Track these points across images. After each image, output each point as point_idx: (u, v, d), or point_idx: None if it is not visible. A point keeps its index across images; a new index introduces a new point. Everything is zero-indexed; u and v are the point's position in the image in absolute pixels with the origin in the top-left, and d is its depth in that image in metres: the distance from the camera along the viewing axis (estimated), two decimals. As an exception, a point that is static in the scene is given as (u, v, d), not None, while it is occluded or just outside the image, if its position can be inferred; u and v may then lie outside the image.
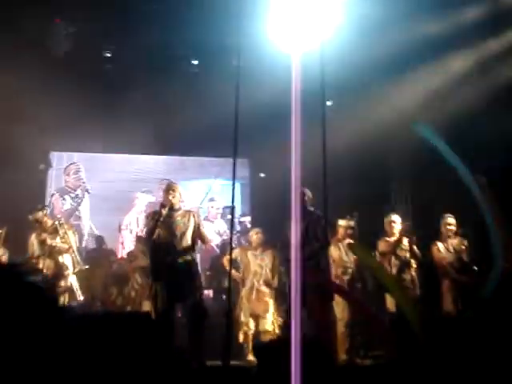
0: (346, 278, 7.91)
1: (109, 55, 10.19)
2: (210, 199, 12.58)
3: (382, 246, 7.93)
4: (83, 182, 12.30)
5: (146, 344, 4.38)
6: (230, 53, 9.69)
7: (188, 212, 6.55)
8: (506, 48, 9.29)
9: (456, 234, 7.99)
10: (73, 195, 12.26)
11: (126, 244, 11.58)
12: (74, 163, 12.33)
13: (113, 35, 9.96)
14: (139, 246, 9.66)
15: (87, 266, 8.39)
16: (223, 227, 12.72)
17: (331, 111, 11.07)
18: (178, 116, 10.62)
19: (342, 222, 7.96)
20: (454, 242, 7.93)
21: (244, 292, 8.37)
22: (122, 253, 11.22)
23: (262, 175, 12.77)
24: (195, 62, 10.46)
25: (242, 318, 8.22)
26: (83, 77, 10.00)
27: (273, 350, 4.07)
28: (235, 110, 4.81)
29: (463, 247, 7.92)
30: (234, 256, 8.86)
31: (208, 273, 10.14)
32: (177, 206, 6.42)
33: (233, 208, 5.11)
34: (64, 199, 12.24)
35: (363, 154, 11.45)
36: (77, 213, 12.24)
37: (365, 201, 10.91)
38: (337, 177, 11.59)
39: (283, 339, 5.82)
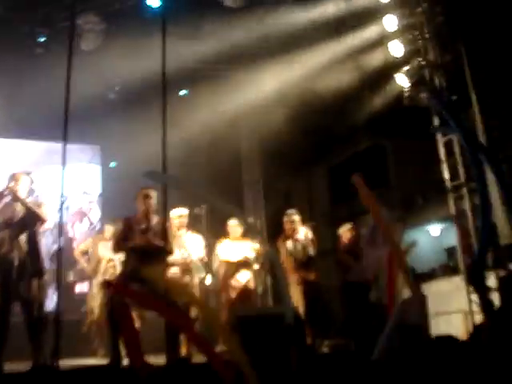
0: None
1: None
2: (84, 192, 11.92)
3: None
4: None
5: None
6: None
7: (37, 203, 5.97)
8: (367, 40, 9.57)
9: (303, 223, 7.95)
10: None
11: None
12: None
13: None
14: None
15: None
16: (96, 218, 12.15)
17: (186, 101, 11.12)
18: (29, 97, 9.91)
19: (172, 214, 7.39)
20: (298, 237, 7.85)
21: (95, 286, 7.98)
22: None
23: (113, 164, 12.37)
24: (41, 44, 9.77)
25: (93, 311, 7.89)
26: None
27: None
28: (66, 94, 4.51)
29: (309, 241, 7.85)
30: (85, 247, 8.40)
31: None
32: (21, 196, 5.85)
33: (62, 199, 4.68)
34: None
35: (217, 143, 11.47)
36: None
37: (218, 190, 10.91)
38: (192, 167, 11.70)
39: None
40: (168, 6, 7.50)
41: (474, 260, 3.30)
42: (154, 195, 6.05)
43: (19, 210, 5.76)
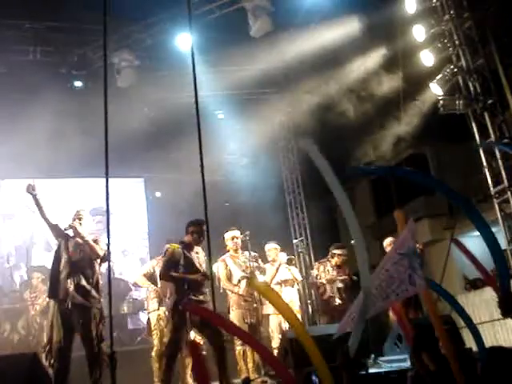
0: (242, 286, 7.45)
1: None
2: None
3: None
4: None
5: None
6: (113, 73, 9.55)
7: (97, 238, 6.12)
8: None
9: None
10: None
11: (15, 277, 10.89)
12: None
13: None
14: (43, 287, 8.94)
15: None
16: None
17: (223, 123, 11.32)
18: (71, 137, 10.19)
19: (227, 235, 7.59)
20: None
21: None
22: (13, 286, 10.59)
23: (158, 194, 12.56)
24: (79, 84, 10.10)
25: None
26: None
27: None
28: (105, 132, 4.61)
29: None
30: (148, 270, 7.88)
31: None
32: (83, 234, 6.04)
33: (108, 230, 4.74)
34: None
35: (257, 163, 11.59)
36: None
37: (262, 213, 10.98)
38: (234, 187, 11.83)
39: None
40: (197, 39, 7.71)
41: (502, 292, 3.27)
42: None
43: (81, 246, 5.95)
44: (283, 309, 3.17)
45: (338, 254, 8.20)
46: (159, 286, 7.39)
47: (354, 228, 3.10)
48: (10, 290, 10.23)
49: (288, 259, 8.23)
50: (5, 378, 4.28)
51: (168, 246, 6.67)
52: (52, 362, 5.54)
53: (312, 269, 8.82)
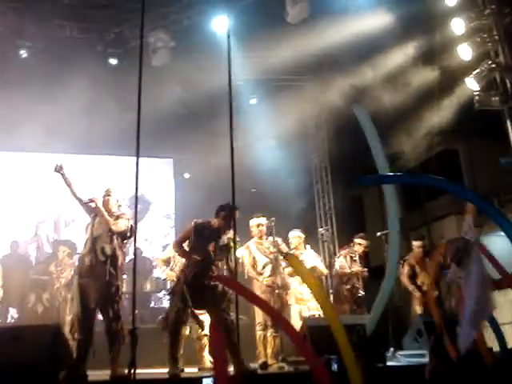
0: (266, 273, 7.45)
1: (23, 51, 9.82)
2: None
3: None
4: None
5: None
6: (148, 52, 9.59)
7: (121, 215, 6.16)
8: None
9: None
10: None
11: (42, 249, 11.09)
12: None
13: (27, 28, 9.58)
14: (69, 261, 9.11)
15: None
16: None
17: (255, 108, 11.31)
18: (103, 115, 10.27)
19: (252, 222, 7.58)
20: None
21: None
22: (38, 258, 10.79)
23: (187, 176, 12.61)
24: (114, 61, 10.18)
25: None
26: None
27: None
28: (138, 110, 4.65)
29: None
30: (166, 255, 8.04)
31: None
32: (112, 210, 6.11)
33: (136, 211, 4.77)
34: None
35: (287, 150, 11.57)
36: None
37: (288, 200, 10.98)
38: (262, 174, 11.84)
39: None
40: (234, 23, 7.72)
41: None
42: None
43: (102, 222, 6.01)
44: (315, 288, 3.17)
45: (360, 244, 8.33)
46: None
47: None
48: (37, 262, 10.42)
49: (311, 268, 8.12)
50: (28, 348, 4.39)
51: None
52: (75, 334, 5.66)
53: (337, 257, 8.83)
